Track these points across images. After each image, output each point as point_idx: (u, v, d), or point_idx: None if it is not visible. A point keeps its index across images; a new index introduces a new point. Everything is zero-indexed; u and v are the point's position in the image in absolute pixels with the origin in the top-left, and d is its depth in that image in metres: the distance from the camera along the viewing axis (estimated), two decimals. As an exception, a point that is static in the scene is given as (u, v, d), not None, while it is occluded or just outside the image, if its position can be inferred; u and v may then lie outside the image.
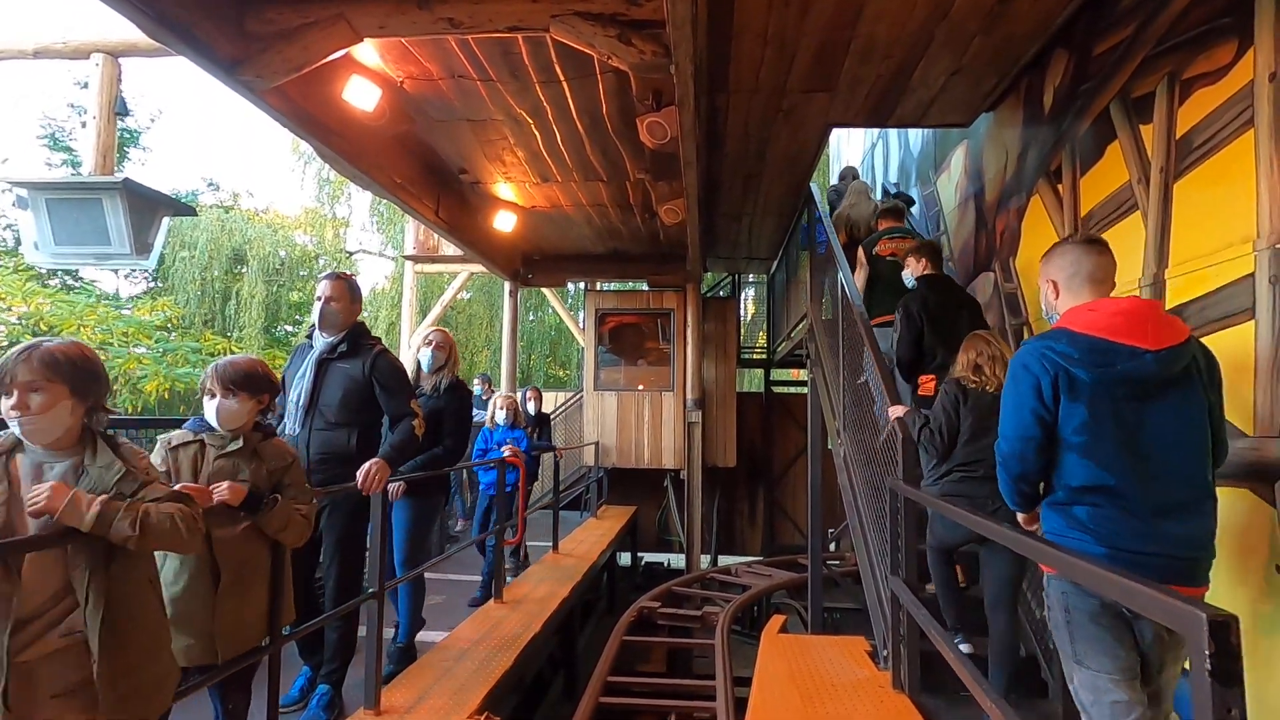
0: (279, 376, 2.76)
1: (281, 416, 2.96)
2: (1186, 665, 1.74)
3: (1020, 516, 2.07)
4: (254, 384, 2.16)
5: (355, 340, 2.94)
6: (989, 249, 4.89)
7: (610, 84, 4.56)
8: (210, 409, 2.12)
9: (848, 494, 4.41)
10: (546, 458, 7.67)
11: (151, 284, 20.41)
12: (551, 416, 10.89)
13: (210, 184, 23.71)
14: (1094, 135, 3.61)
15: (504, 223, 7.15)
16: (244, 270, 19.15)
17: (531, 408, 6.79)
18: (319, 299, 2.92)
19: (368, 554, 2.96)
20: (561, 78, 4.48)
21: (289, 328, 21.50)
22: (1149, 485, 1.71)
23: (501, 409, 5.39)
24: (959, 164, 5.56)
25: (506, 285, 9.07)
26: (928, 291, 3.84)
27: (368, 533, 2.93)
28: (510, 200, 7.04)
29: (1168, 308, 2.96)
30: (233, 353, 18.78)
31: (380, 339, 3.07)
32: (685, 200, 5.97)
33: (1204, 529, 1.75)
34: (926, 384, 3.70)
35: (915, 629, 2.90)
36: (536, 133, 5.36)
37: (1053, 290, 1.99)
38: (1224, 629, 0.92)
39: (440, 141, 5.67)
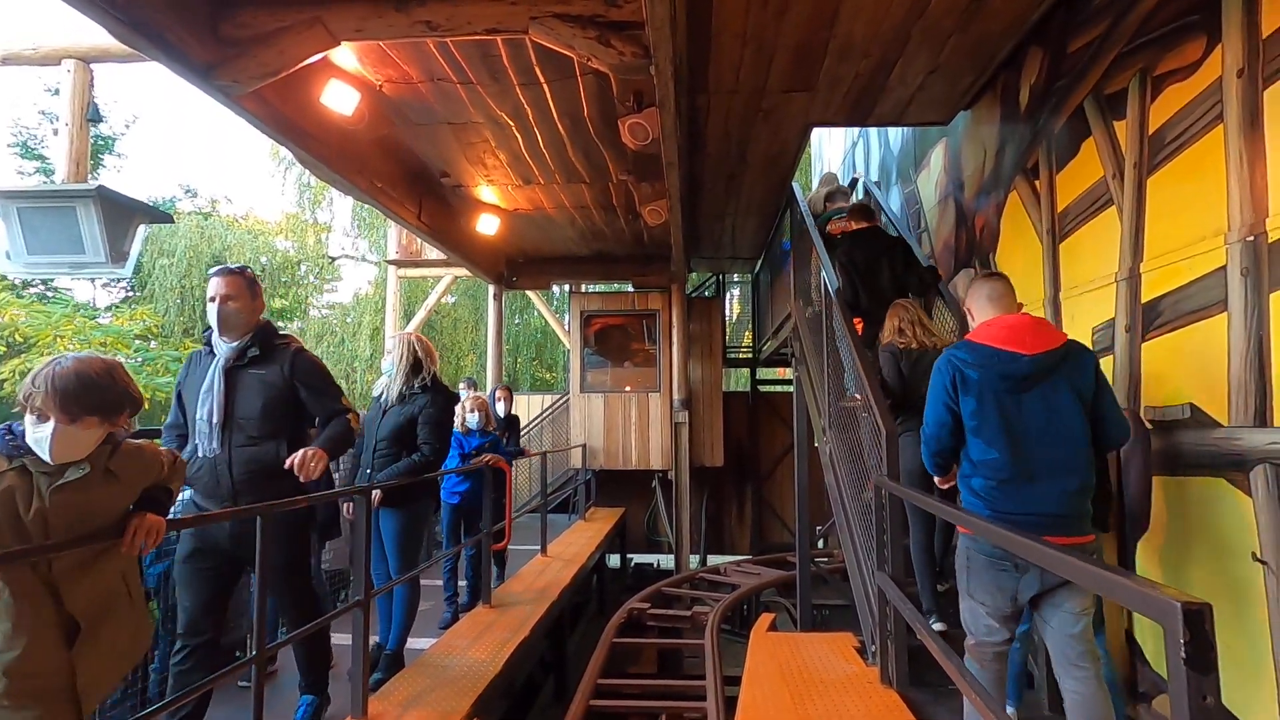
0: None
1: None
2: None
3: (936, 479, 2.64)
4: (109, 404, 1.61)
5: (265, 341, 2.63)
6: (969, 245, 4.93)
7: (591, 86, 4.56)
8: (40, 435, 1.55)
9: (834, 492, 4.43)
10: (519, 463, 7.64)
11: (129, 292, 20.14)
12: (524, 426, 10.84)
13: (188, 190, 23.45)
14: (1069, 131, 3.66)
15: (487, 226, 7.12)
16: (224, 277, 18.91)
17: (500, 409, 6.33)
18: (212, 299, 2.56)
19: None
20: (542, 80, 4.47)
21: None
22: (1023, 457, 2.22)
23: (473, 411, 4.96)
24: (938, 162, 5.61)
25: (491, 288, 9.04)
26: (851, 245, 4.52)
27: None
28: (493, 203, 7.01)
29: (1144, 301, 3.01)
30: (214, 361, 18.67)
31: (294, 336, 2.79)
32: (668, 201, 5.97)
33: (1067, 491, 2.20)
34: (857, 323, 4.18)
35: (902, 624, 2.92)
36: (518, 135, 5.35)
37: (970, 316, 2.55)
38: (1199, 618, 0.93)
39: (421, 145, 5.64)
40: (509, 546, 6.10)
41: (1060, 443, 2.22)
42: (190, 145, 46.01)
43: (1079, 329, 3.51)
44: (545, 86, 4.56)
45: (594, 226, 7.82)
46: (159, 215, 4.46)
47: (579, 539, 7.55)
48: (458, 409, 4.95)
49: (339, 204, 21.20)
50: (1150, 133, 3.01)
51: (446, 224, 7.00)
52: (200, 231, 19.17)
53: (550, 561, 6.24)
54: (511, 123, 5.11)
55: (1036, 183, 3.98)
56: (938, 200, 5.59)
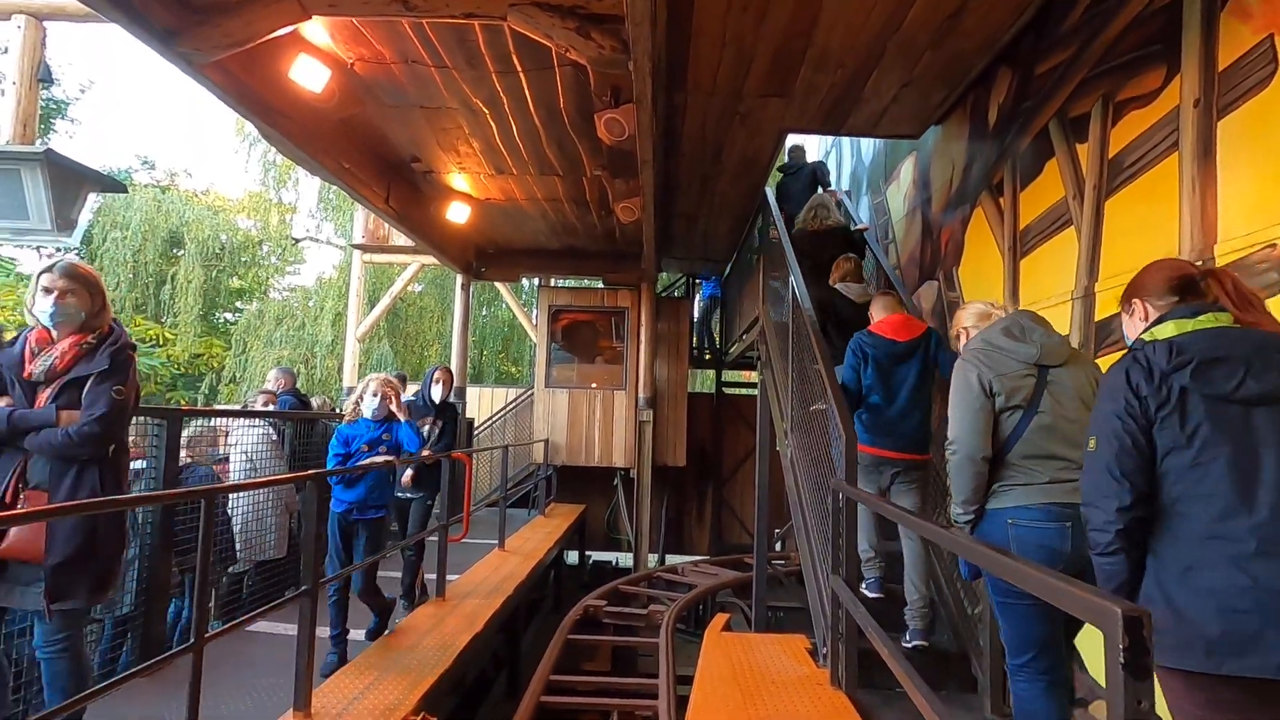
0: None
1: None
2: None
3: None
4: None
5: None
6: (934, 258, 5.03)
7: (568, 78, 4.52)
8: None
9: (793, 495, 4.47)
10: (480, 455, 7.49)
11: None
12: (488, 420, 10.64)
13: (145, 162, 22.59)
14: (1034, 151, 3.76)
15: (457, 214, 7.01)
16: (180, 253, 18.30)
17: (436, 393, 4.80)
18: None
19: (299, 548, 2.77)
20: (519, 69, 4.41)
21: (228, 315, 20.69)
22: (896, 404, 3.37)
23: (375, 395, 3.76)
24: (908, 174, 5.71)
25: (459, 278, 8.92)
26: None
27: None
28: (464, 191, 6.91)
29: (1097, 319, 3.11)
30: (167, 339, 18.06)
31: None
32: (642, 199, 5.96)
33: (919, 424, 3.40)
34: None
35: (854, 627, 2.96)
36: (492, 123, 5.28)
37: (874, 316, 3.63)
38: (1137, 625, 0.95)
39: (392, 128, 5.52)
40: (466, 539, 6.06)
41: (916, 395, 3.39)
42: (150, 115, 44.38)
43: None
44: (522, 75, 4.50)
45: (566, 221, 7.77)
46: (110, 183, 4.28)
47: (537, 534, 7.49)
48: (352, 395, 4.07)
49: (305, 184, 20.63)
50: (1110, 156, 3.11)
51: (415, 210, 6.87)
52: (157, 205, 18.49)
53: (507, 556, 6.18)
54: (486, 110, 5.04)
55: (1001, 200, 4.08)
56: (906, 212, 5.69)
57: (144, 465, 3.39)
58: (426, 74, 4.53)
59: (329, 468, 3.62)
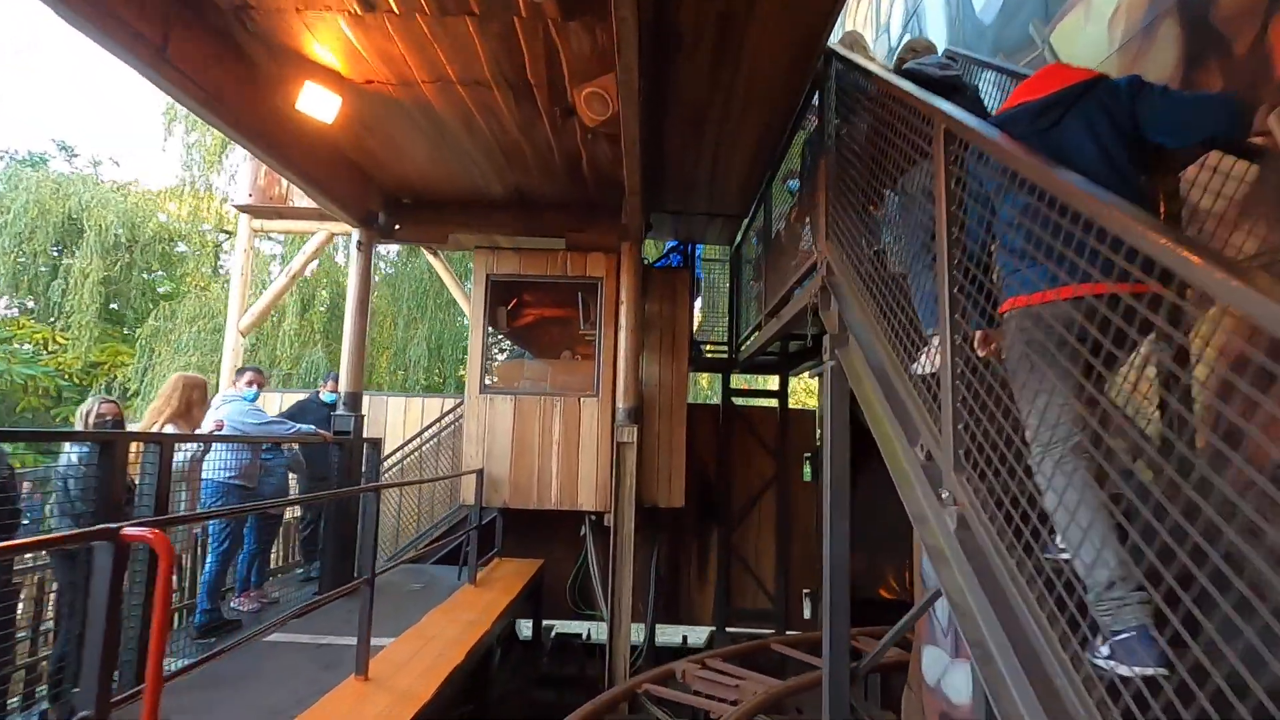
0: None
1: None
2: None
3: None
4: None
5: None
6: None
7: None
8: None
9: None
10: (390, 493, 4.66)
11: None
12: (410, 443, 7.87)
13: (64, 148, 19.81)
14: None
15: (316, 105, 4.28)
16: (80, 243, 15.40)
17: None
18: None
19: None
20: None
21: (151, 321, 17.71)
22: None
23: None
24: (1113, -19, 3.06)
25: (354, 235, 6.13)
26: None
27: None
28: (325, 64, 4.19)
29: None
30: (57, 344, 15.08)
31: None
32: (618, 61, 3.27)
33: None
34: None
35: None
36: None
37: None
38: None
39: None
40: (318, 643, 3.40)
41: (1108, 166, 1.92)
42: (77, 101, 41.39)
43: None
44: None
45: (503, 133, 5.04)
46: None
47: (453, 625, 4.66)
48: None
49: (242, 169, 17.82)
50: None
51: (231, 83, 4.11)
52: (55, 186, 15.65)
53: (367, 694, 3.34)
54: None
55: None
56: (1120, 45, 3.05)
57: None
58: None
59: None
